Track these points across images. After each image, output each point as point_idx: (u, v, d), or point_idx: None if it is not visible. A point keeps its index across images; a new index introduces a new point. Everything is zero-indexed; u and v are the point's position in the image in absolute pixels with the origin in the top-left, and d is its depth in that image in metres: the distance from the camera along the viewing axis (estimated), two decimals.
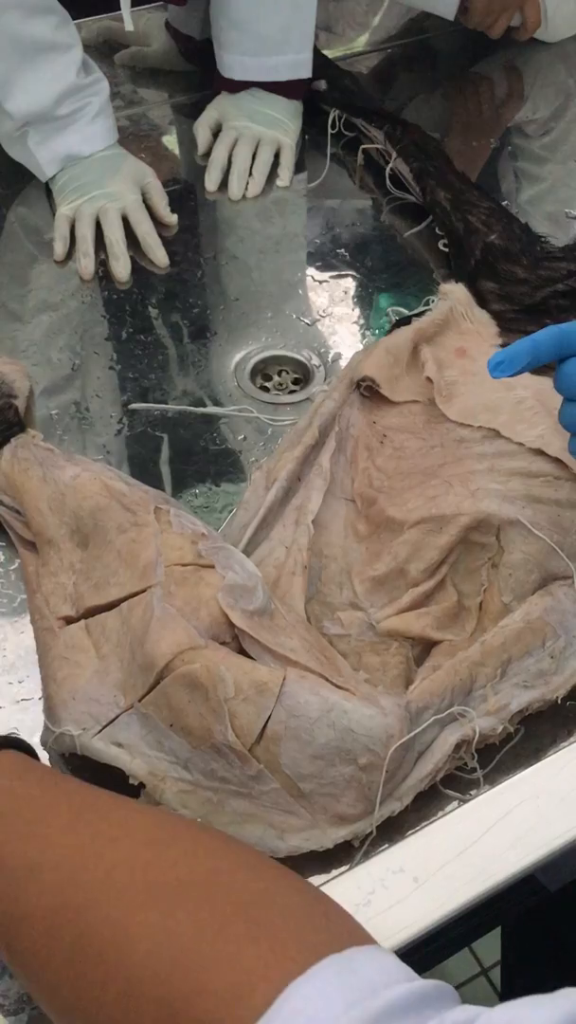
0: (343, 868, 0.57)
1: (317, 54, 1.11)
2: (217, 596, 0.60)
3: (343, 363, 0.88)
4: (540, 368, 0.76)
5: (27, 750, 0.55)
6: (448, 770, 0.59)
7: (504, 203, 1.02)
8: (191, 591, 0.61)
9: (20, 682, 0.65)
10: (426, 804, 0.59)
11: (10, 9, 0.92)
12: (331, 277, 0.98)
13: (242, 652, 0.59)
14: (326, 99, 1.13)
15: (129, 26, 1.04)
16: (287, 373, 0.90)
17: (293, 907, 0.40)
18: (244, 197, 1.06)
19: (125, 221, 0.98)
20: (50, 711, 0.59)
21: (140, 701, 0.58)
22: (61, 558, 0.67)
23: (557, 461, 0.68)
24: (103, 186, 0.99)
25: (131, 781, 0.56)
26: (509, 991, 1.02)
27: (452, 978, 1.37)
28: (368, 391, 0.75)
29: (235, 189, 1.06)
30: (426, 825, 0.58)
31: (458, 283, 0.84)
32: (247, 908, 0.39)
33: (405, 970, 0.37)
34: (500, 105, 1.25)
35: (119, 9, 1.04)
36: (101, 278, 0.96)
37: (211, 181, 1.07)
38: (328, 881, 0.56)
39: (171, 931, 0.39)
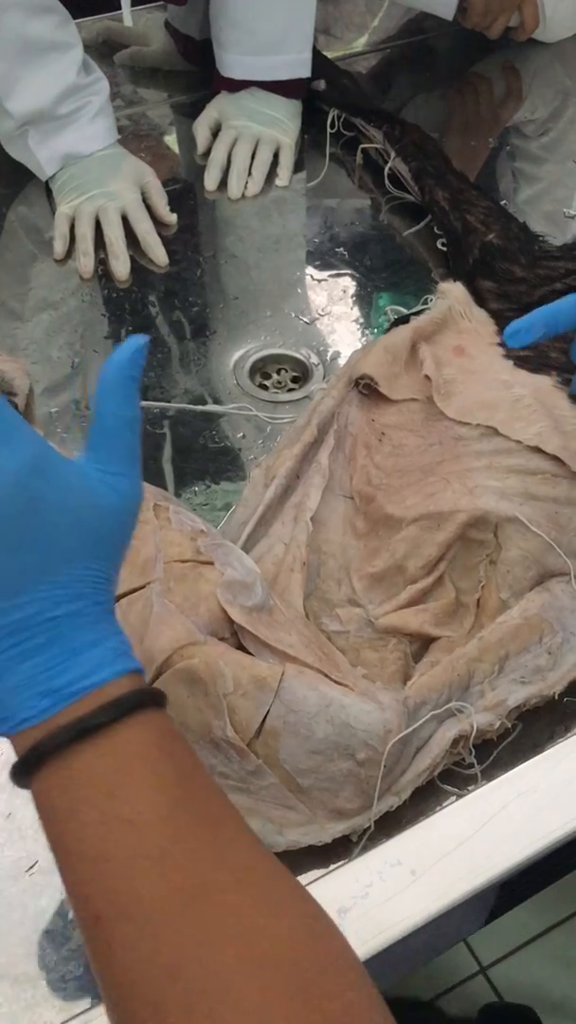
0: (341, 862, 0.57)
1: (316, 54, 1.11)
2: (216, 592, 0.60)
3: (342, 361, 0.88)
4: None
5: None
6: (446, 765, 0.60)
7: (503, 203, 1.03)
8: (190, 587, 0.62)
9: None
10: (424, 799, 0.59)
11: (11, 9, 0.92)
12: (330, 276, 0.98)
13: (241, 648, 0.60)
14: (325, 99, 1.13)
15: (128, 22, 1.05)
16: (286, 371, 0.90)
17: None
18: (243, 196, 1.06)
19: (125, 220, 0.99)
20: None
21: None
22: None
23: (555, 459, 0.69)
24: (103, 185, 0.99)
25: None
26: None
27: (451, 976, 1.37)
28: (367, 389, 0.76)
29: (234, 188, 1.06)
30: (424, 819, 0.58)
31: (456, 282, 0.85)
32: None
33: None
34: (498, 105, 1.25)
35: (119, 9, 1.04)
36: (101, 277, 0.97)
37: (210, 180, 1.07)
38: (326, 874, 0.56)
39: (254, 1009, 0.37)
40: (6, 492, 0.41)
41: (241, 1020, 0.36)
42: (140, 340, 0.45)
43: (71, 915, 0.55)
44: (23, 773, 0.41)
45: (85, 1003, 0.52)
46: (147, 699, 0.42)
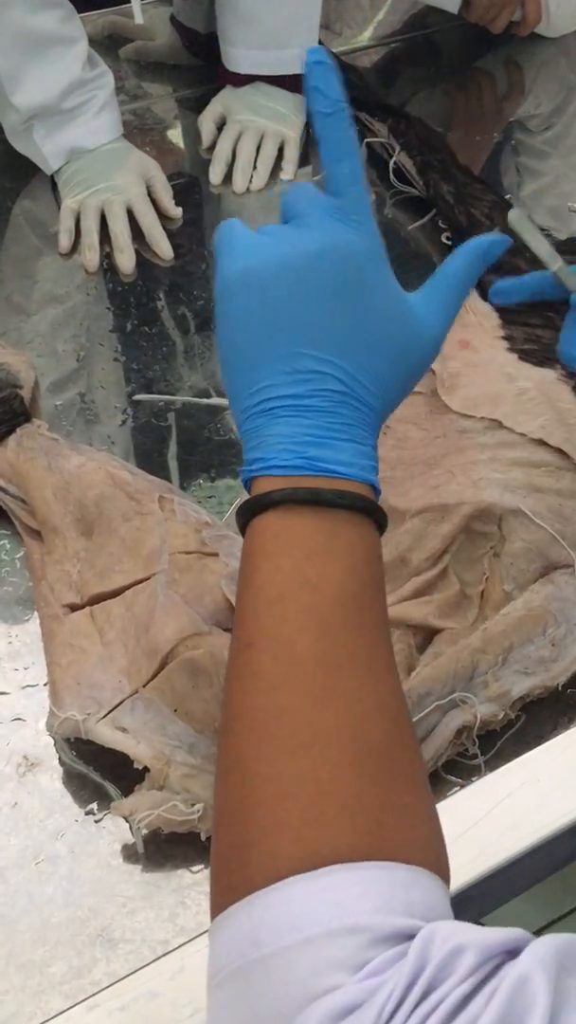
0: None
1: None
2: (221, 583, 0.61)
3: None
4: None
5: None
6: (450, 755, 0.60)
7: (507, 197, 1.03)
8: (195, 578, 0.62)
9: (26, 668, 0.66)
10: None
11: (17, 3, 0.92)
12: None
13: None
14: None
15: (139, 19, 1.05)
16: None
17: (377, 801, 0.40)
18: (248, 190, 1.06)
19: (130, 214, 0.99)
20: (55, 696, 0.60)
21: (144, 687, 0.58)
22: (66, 546, 0.67)
23: (558, 451, 0.69)
24: (108, 179, 0.99)
25: (135, 765, 0.57)
26: None
27: None
28: None
29: (239, 182, 1.06)
30: None
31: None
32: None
33: (432, 907, 0.37)
34: (502, 100, 1.25)
35: (124, 3, 1.05)
36: (106, 271, 0.97)
37: (215, 174, 1.07)
38: None
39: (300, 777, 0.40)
40: (359, 263, 0.48)
41: (320, 772, 0.39)
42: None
43: (76, 904, 0.55)
44: (251, 511, 0.46)
45: (91, 990, 0.52)
46: (378, 517, 0.47)
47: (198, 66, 1.22)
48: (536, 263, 0.65)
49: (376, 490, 0.47)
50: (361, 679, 0.42)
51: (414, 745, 0.43)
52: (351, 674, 0.42)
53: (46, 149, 1.00)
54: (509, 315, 0.83)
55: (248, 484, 0.48)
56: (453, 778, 0.60)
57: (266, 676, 0.42)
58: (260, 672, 0.42)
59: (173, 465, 0.80)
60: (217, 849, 0.41)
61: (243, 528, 0.47)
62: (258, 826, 0.39)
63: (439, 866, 0.40)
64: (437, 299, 0.52)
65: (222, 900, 0.39)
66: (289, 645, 0.42)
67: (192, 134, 1.14)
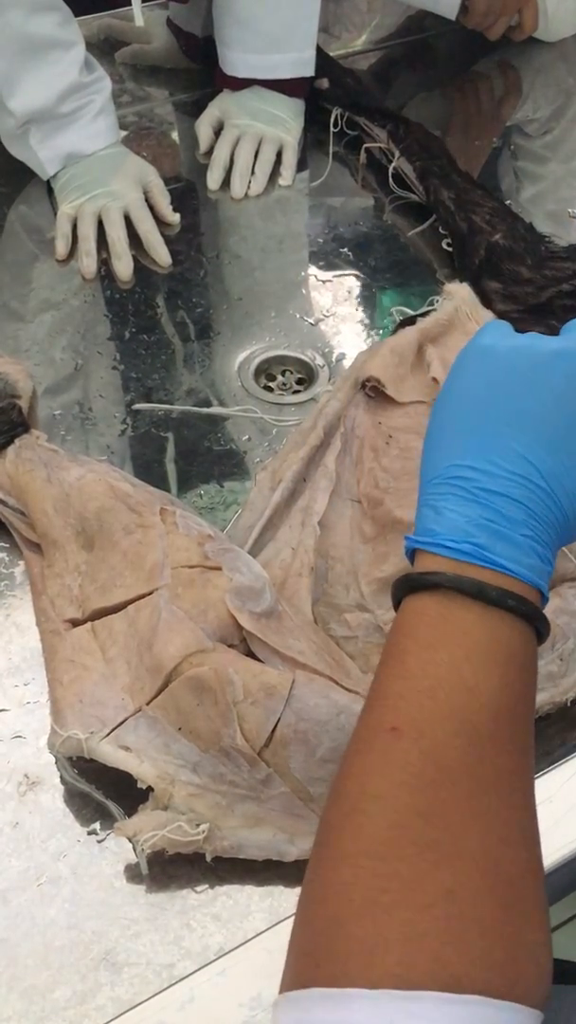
0: None
1: (319, 52, 1.11)
2: (225, 598, 0.60)
3: (347, 363, 0.88)
4: None
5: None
6: None
7: (507, 202, 1.02)
8: (198, 593, 0.61)
9: (26, 684, 0.65)
10: None
11: (13, 7, 0.91)
12: (334, 276, 0.97)
13: (250, 655, 0.59)
14: (328, 97, 1.12)
15: (140, 21, 1.04)
16: (291, 373, 0.89)
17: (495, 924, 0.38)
18: (246, 196, 1.06)
19: (127, 220, 0.98)
20: (57, 714, 0.59)
21: (148, 704, 0.57)
22: (66, 560, 0.66)
23: None
24: (105, 184, 0.98)
25: (139, 785, 0.56)
26: None
27: None
28: (373, 391, 0.75)
29: (237, 188, 1.06)
30: None
31: (462, 283, 0.84)
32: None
33: None
34: (500, 104, 1.25)
35: (121, 6, 1.04)
36: (103, 277, 0.96)
37: (213, 180, 1.06)
38: None
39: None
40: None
41: (460, 892, 0.37)
42: None
43: (79, 927, 0.54)
44: (410, 587, 0.45)
45: (95, 1017, 0.51)
46: (540, 625, 0.44)
47: (195, 70, 1.21)
48: None
49: (544, 597, 0.45)
50: (506, 801, 0.40)
51: (543, 877, 0.41)
52: (498, 795, 0.40)
53: (42, 154, 0.99)
54: (511, 323, 0.82)
55: (411, 553, 0.47)
56: None
57: (413, 771, 0.40)
58: (407, 765, 0.40)
59: (172, 474, 0.79)
60: (318, 924, 0.39)
61: (398, 599, 0.46)
62: (390, 922, 0.37)
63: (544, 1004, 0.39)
64: None
65: (319, 974, 0.37)
66: (440, 747, 0.40)
67: (189, 139, 1.13)
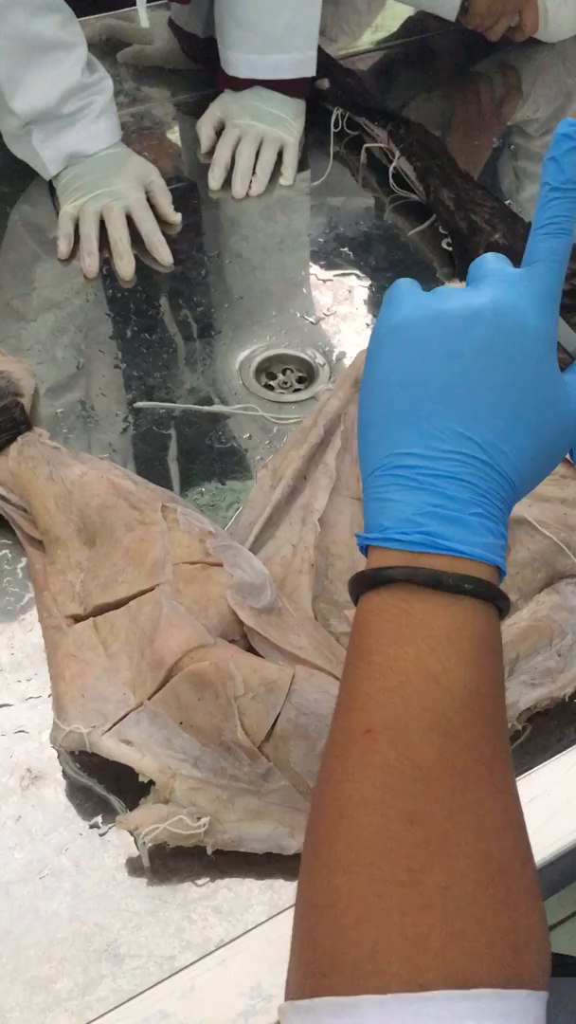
0: None
1: (320, 53, 1.11)
2: (226, 594, 0.60)
3: (347, 362, 0.88)
4: None
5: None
6: None
7: (507, 202, 1.02)
8: (199, 589, 0.61)
9: (28, 680, 0.65)
10: None
11: (16, 7, 0.92)
12: (335, 276, 0.98)
13: (251, 650, 0.60)
14: (329, 97, 1.13)
15: (145, 22, 1.04)
16: (292, 371, 0.90)
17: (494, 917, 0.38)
18: (247, 195, 1.06)
19: (129, 220, 0.98)
20: (59, 709, 0.59)
21: (149, 699, 0.58)
22: (68, 556, 0.67)
23: (564, 460, 0.68)
24: (107, 184, 0.99)
25: (140, 779, 0.56)
26: None
27: None
28: None
29: (238, 187, 1.06)
30: None
31: (462, 282, 0.84)
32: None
33: None
34: (500, 104, 1.25)
35: (123, 7, 1.04)
36: (105, 276, 0.96)
37: (214, 179, 1.07)
38: None
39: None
40: (522, 333, 0.45)
41: (456, 889, 0.37)
42: None
43: (81, 919, 0.55)
44: (367, 584, 0.44)
45: (98, 1008, 0.52)
46: (500, 602, 0.44)
47: (196, 70, 1.22)
48: None
49: (502, 572, 0.44)
50: (487, 789, 0.40)
51: (532, 857, 0.41)
52: (478, 784, 0.40)
53: (44, 154, 1.00)
54: None
55: (364, 549, 0.46)
56: None
57: (393, 773, 0.39)
58: (386, 767, 0.40)
59: (174, 472, 0.80)
60: (320, 935, 0.39)
61: (355, 596, 0.45)
62: (391, 926, 0.37)
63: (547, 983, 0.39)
64: None
65: (327, 984, 0.37)
66: (416, 745, 0.40)
67: (191, 139, 1.13)
